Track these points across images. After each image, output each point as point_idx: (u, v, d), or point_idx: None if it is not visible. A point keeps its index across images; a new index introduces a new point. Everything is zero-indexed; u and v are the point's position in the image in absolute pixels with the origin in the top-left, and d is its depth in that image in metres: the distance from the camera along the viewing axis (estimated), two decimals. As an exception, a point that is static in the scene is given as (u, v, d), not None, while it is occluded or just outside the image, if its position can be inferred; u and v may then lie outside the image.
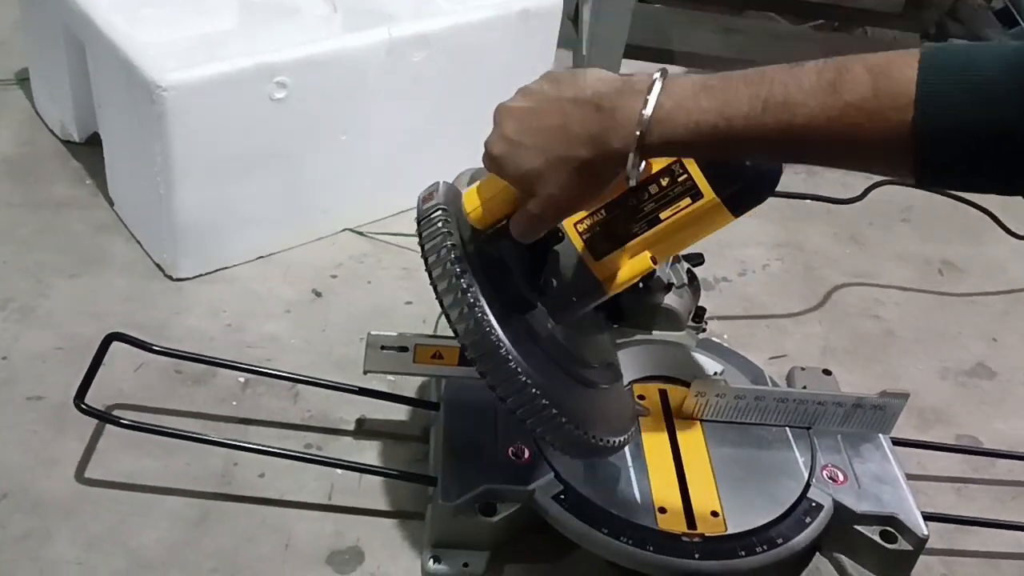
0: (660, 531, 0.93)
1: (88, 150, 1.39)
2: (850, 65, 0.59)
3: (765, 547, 0.94)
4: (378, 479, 1.02)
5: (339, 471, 1.02)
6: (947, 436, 1.20)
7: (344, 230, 1.36)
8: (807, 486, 1.00)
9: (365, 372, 1.02)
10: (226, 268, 1.26)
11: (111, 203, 1.32)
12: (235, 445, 0.99)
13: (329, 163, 1.28)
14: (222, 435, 1.01)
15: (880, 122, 0.58)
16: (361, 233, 1.36)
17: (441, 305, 0.81)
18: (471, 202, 0.80)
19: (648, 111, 0.64)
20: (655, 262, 0.79)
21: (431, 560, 0.94)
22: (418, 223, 0.84)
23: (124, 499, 0.97)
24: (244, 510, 0.98)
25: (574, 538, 0.93)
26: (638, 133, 0.64)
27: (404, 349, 0.99)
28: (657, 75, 0.65)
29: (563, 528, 0.93)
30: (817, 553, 1.02)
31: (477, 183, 0.81)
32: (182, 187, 1.16)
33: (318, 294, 1.26)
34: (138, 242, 1.27)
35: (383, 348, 0.99)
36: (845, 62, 0.60)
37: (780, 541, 0.95)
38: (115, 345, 1.05)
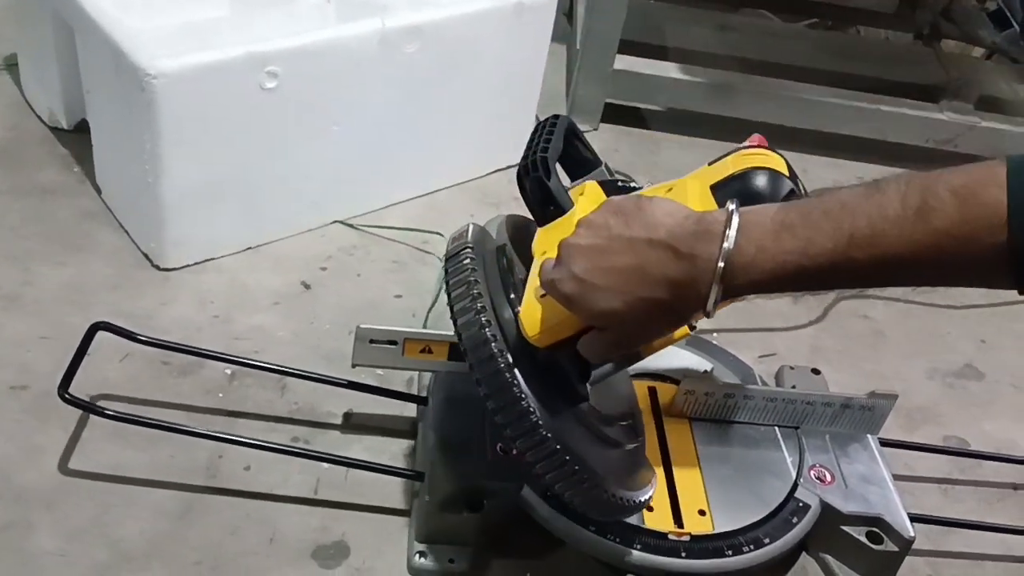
0: (647, 529, 0.92)
1: (76, 137, 1.38)
2: (933, 188, 0.58)
3: (752, 546, 0.94)
4: (365, 474, 1.01)
5: (325, 465, 1.02)
6: (934, 437, 1.20)
7: (334, 222, 1.35)
8: (795, 486, 1.00)
9: (353, 366, 1.01)
10: (214, 259, 1.25)
11: (98, 191, 1.31)
12: (221, 437, 0.98)
13: (320, 154, 1.27)
14: (208, 427, 1.00)
15: (973, 246, 0.57)
16: (351, 225, 1.35)
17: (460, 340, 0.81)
18: (531, 324, 0.79)
19: (729, 258, 0.62)
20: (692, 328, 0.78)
21: (417, 556, 0.94)
22: (446, 271, 0.85)
23: (107, 490, 0.96)
24: (229, 503, 0.97)
25: (561, 535, 0.93)
26: (721, 282, 0.63)
27: (393, 343, 0.98)
28: (733, 212, 0.63)
29: (550, 525, 0.93)
30: (804, 553, 1.02)
31: (534, 300, 0.79)
32: (170, 176, 1.15)
33: (307, 286, 1.25)
34: (125, 231, 1.26)
35: (372, 342, 0.98)
36: (927, 184, 0.59)
37: (767, 541, 0.95)
38: (101, 335, 1.04)
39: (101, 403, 1.01)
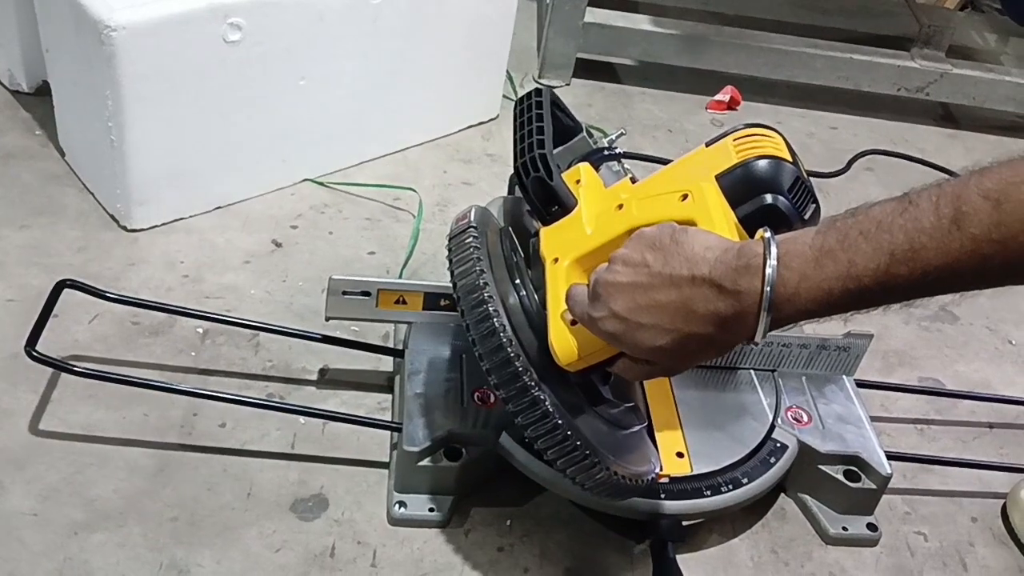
0: (626, 472, 0.92)
1: (37, 100, 1.35)
2: (965, 194, 0.58)
3: (730, 486, 0.95)
4: (342, 428, 1.00)
5: (302, 420, 1.01)
6: (910, 378, 1.21)
7: (305, 180, 1.33)
8: (772, 427, 1.00)
9: (327, 319, 1.00)
10: (183, 219, 1.23)
11: (62, 153, 1.28)
12: (196, 393, 0.97)
13: (287, 110, 1.25)
14: (181, 385, 0.99)
15: (1012, 248, 0.57)
16: (322, 183, 1.33)
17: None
18: (565, 352, 0.77)
19: (774, 291, 0.62)
20: None
21: (397, 506, 0.93)
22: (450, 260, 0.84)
23: (80, 450, 0.95)
24: (204, 460, 0.96)
25: (540, 481, 0.92)
26: (768, 314, 0.63)
27: (367, 294, 0.97)
28: (770, 242, 0.62)
29: (529, 472, 0.92)
30: (783, 494, 1.03)
31: (562, 326, 0.78)
32: (134, 133, 1.13)
33: (278, 245, 1.23)
34: (91, 192, 1.24)
35: (345, 293, 0.97)
36: (958, 191, 0.58)
37: (745, 481, 0.95)
38: (69, 296, 1.02)
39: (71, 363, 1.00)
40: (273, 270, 1.19)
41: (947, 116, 1.82)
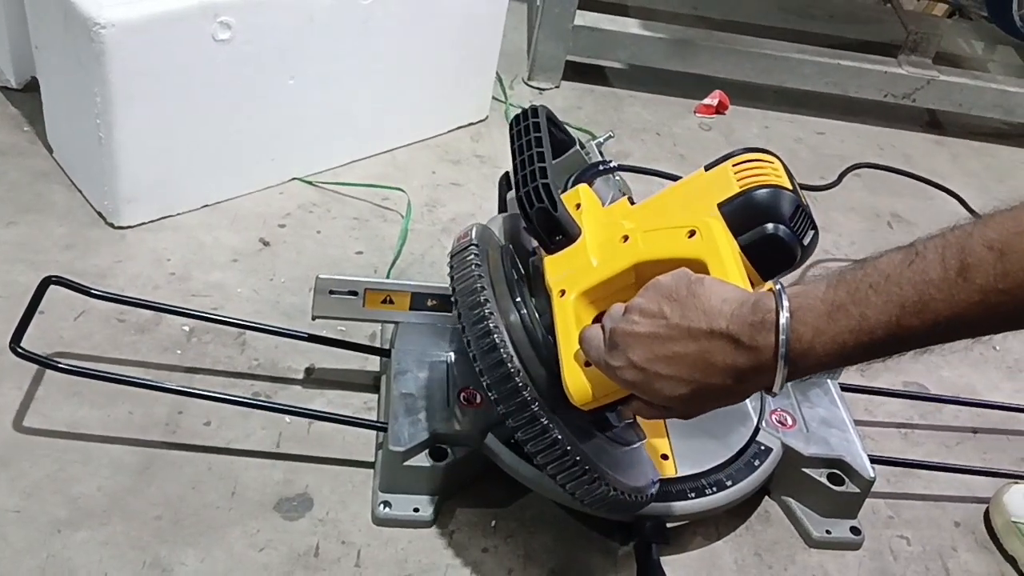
0: (611, 474, 0.93)
1: (26, 96, 1.34)
2: (969, 246, 0.59)
3: (715, 488, 0.95)
4: (328, 427, 1.00)
5: (288, 419, 1.01)
6: (895, 383, 1.21)
7: (293, 179, 1.33)
8: (756, 430, 1.01)
9: (314, 318, 1.00)
10: (171, 216, 1.23)
11: (50, 150, 1.28)
12: (181, 391, 0.97)
13: (276, 108, 1.25)
14: (166, 383, 0.99)
15: (1019, 296, 0.58)
16: (311, 182, 1.33)
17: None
18: (580, 393, 0.77)
19: (789, 347, 0.63)
20: None
21: (382, 506, 0.93)
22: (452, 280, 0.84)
23: (64, 448, 0.94)
24: (189, 458, 0.96)
25: (525, 482, 0.93)
26: (784, 370, 0.64)
27: (354, 293, 0.97)
28: (782, 298, 0.64)
29: (515, 473, 0.93)
30: (766, 496, 1.03)
31: (576, 367, 0.77)
32: (122, 131, 1.13)
33: (266, 243, 1.23)
34: (79, 190, 1.23)
35: (332, 293, 0.97)
36: (963, 243, 0.59)
37: (729, 483, 0.96)
38: (55, 293, 1.02)
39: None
40: (260, 269, 1.19)
41: (933, 122, 1.83)
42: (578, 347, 0.77)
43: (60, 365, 0.93)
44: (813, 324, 0.64)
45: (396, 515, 0.93)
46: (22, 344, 0.91)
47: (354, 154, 1.39)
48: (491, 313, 0.80)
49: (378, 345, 1.09)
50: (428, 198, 1.36)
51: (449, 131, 1.49)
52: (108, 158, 1.14)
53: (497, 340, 0.79)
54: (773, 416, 1.03)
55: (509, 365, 0.79)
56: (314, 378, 1.07)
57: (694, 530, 0.99)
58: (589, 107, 1.66)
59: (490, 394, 0.80)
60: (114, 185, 1.17)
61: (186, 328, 1.09)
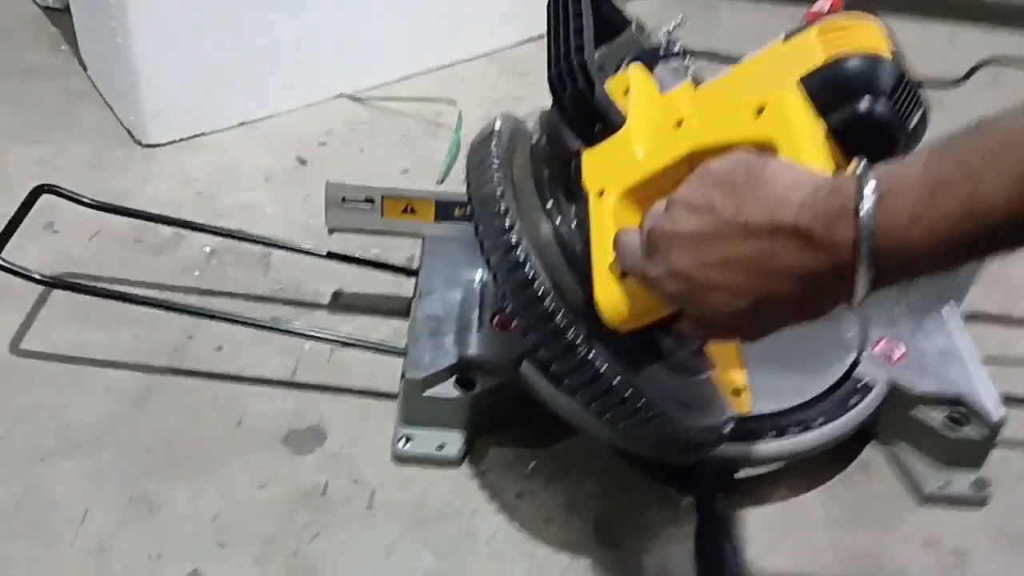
0: (669, 409, 0.77)
1: (65, 16, 1.27)
2: None
3: (798, 429, 0.78)
4: (350, 356, 0.89)
5: (307, 346, 0.90)
6: (1035, 313, 1.00)
7: (340, 95, 1.21)
8: (856, 362, 0.83)
9: (330, 231, 0.88)
10: (203, 135, 1.14)
11: (85, 68, 1.21)
12: (186, 309, 0.86)
13: (320, 17, 1.13)
14: (175, 303, 0.89)
15: None
16: (358, 99, 1.22)
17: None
18: (613, 311, 0.62)
19: (874, 241, 0.47)
20: None
21: (401, 441, 0.81)
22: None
23: (62, 372, 0.86)
24: (194, 386, 0.86)
25: (569, 419, 0.78)
26: (869, 272, 0.48)
27: (370, 201, 0.85)
28: (867, 175, 0.48)
29: (556, 407, 0.78)
30: (870, 442, 0.86)
31: (609, 279, 0.62)
32: (141, 34, 1.04)
33: (303, 162, 1.12)
34: (110, 107, 1.16)
35: (345, 201, 0.85)
36: None
37: (819, 423, 0.79)
38: (68, 211, 0.94)
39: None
40: (294, 188, 1.08)
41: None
42: (613, 256, 0.61)
43: (35, 276, 0.83)
44: (909, 210, 0.47)
45: (417, 452, 0.81)
46: (3, 255, 0.83)
47: (407, 68, 1.26)
48: (514, 224, 0.65)
49: (415, 267, 0.96)
50: (485, 112, 1.21)
51: (516, 44, 1.34)
52: (127, 65, 1.06)
53: (521, 256, 0.64)
54: (878, 346, 0.85)
55: (537, 285, 0.64)
56: (341, 303, 0.96)
57: (778, 480, 0.83)
58: (680, 14, 1.47)
59: (519, 321, 0.65)
60: (137, 97, 1.08)
61: (207, 249, 0.99)
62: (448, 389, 0.80)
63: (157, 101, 1.08)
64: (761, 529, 0.79)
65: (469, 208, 0.68)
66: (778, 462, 0.81)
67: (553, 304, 0.64)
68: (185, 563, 0.73)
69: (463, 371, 0.81)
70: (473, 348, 0.81)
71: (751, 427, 0.78)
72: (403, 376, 0.81)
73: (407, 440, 0.81)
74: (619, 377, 0.64)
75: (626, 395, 0.64)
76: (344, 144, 1.16)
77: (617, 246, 0.60)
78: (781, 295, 0.51)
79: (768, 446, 0.77)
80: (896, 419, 0.83)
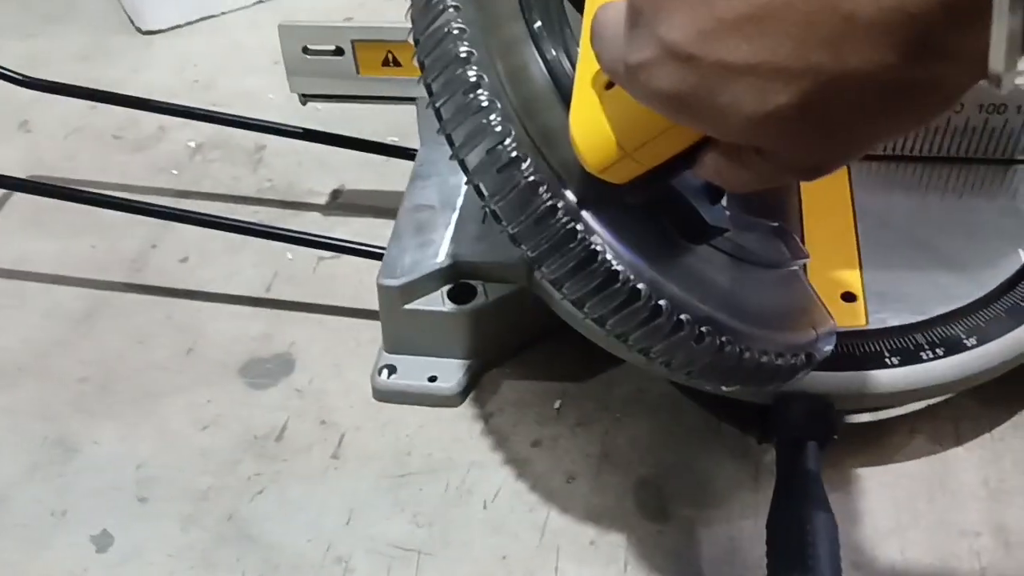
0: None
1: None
2: None
3: (940, 352, 0.53)
4: (341, 268, 0.70)
5: (290, 255, 0.71)
6: None
7: (373, -34, 1.01)
8: (1032, 257, 0.56)
9: (302, 100, 0.69)
10: (211, 17, 0.97)
11: (93, -45, 1.06)
12: (150, 209, 0.68)
13: None
14: (127, 200, 0.72)
15: None
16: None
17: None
18: (595, 149, 0.38)
19: None
20: None
21: (383, 372, 0.61)
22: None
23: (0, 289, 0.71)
24: (147, 304, 0.69)
25: (600, 342, 0.55)
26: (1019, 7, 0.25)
27: (340, 53, 0.64)
28: None
29: (580, 327, 0.56)
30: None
31: (591, 97, 0.38)
32: None
33: (322, 41, 0.93)
34: (114, -6, 1.01)
35: (307, 52, 0.65)
36: None
37: (971, 343, 0.53)
38: (52, 106, 0.81)
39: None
40: (306, 71, 0.90)
41: None
42: (597, 67, 0.38)
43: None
44: None
45: (402, 385, 0.61)
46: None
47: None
48: (469, 54, 0.43)
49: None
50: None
51: None
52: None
53: (484, 100, 0.42)
54: (1067, 233, 0.57)
55: (505, 144, 0.42)
56: (340, 202, 0.77)
57: (912, 427, 0.58)
58: None
59: (482, 203, 0.44)
60: (128, -29, 0.92)
61: (192, 144, 0.82)
62: (437, 302, 0.60)
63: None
64: (882, 499, 0.55)
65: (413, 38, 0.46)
66: (910, 401, 0.56)
67: (526, 168, 0.41)
68: (93, 523, 0.56)
69: (459, 279, 0.60)
70: (472, 248, 0.60)
71: (866, 347, 0.53)
72: (380, 287, 0.61)
73: (390, 371, 0.61)
74: (642, 282, 0.41)
75: (654, 305, 0.41)
76: (375, 18, 0.95)
77: (594, 29, 0.36)
78: (857, 73, 0.27)
79: (894, 375, 0.53)
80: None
